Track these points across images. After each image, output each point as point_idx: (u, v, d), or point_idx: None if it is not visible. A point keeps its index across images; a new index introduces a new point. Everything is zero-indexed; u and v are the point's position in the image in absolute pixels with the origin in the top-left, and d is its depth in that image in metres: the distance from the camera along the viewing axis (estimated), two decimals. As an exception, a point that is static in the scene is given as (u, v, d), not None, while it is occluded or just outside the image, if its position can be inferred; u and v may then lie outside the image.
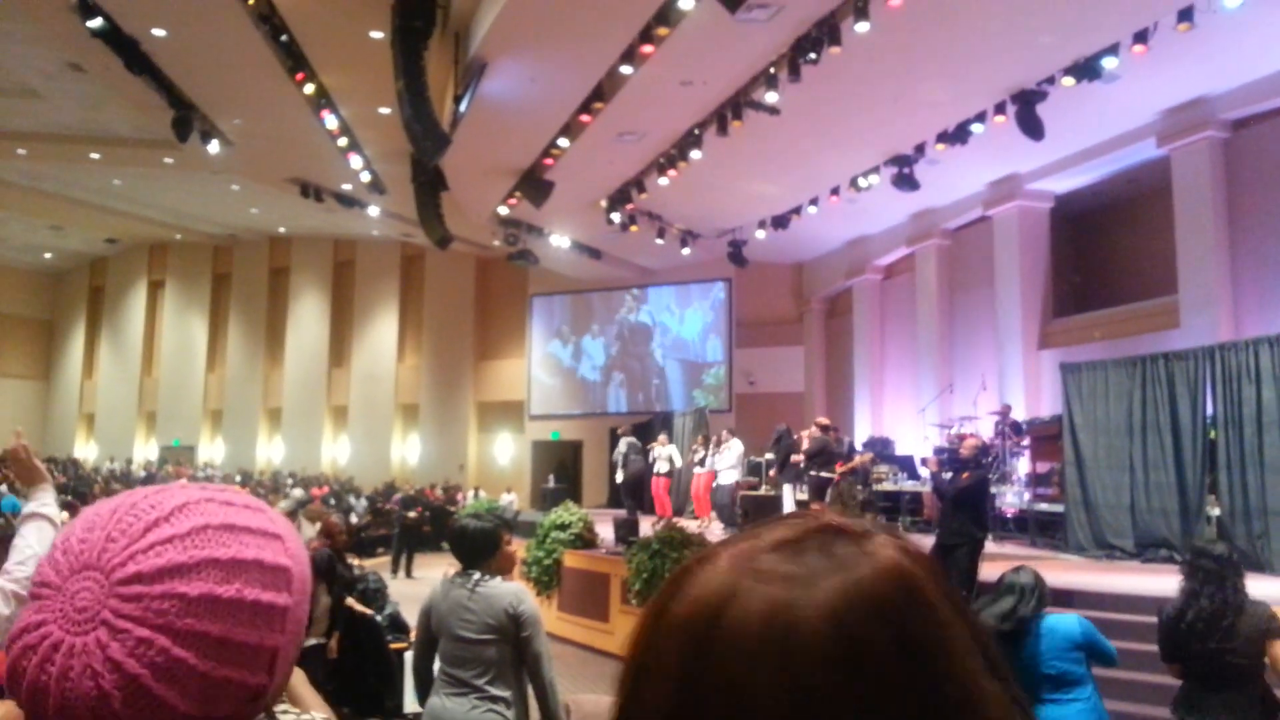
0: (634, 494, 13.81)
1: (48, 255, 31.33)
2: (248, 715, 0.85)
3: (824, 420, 12.82)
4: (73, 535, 0.84)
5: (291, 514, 9.09)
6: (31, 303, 32.73)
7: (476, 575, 3.77)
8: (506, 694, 3.68)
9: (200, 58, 14.09)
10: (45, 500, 2.17)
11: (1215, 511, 9.50)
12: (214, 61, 14.16)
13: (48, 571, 0.83)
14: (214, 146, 16.91)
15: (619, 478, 14.88)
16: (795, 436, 13.05)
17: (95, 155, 20.17)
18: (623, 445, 14.55)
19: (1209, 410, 9.64)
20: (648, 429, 17.58)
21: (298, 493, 13.54)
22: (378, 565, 14.18)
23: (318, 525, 8.84)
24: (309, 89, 14.38)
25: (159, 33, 13.28)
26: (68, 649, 0.78)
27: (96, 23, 12.42)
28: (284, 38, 13.13)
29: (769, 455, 13.61)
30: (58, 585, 0.81)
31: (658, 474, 14.69)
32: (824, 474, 12.12)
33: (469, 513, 13.02)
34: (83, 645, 0.78)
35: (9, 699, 0.85)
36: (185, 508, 0.85)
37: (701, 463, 14.88)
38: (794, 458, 12.67)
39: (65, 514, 8.54)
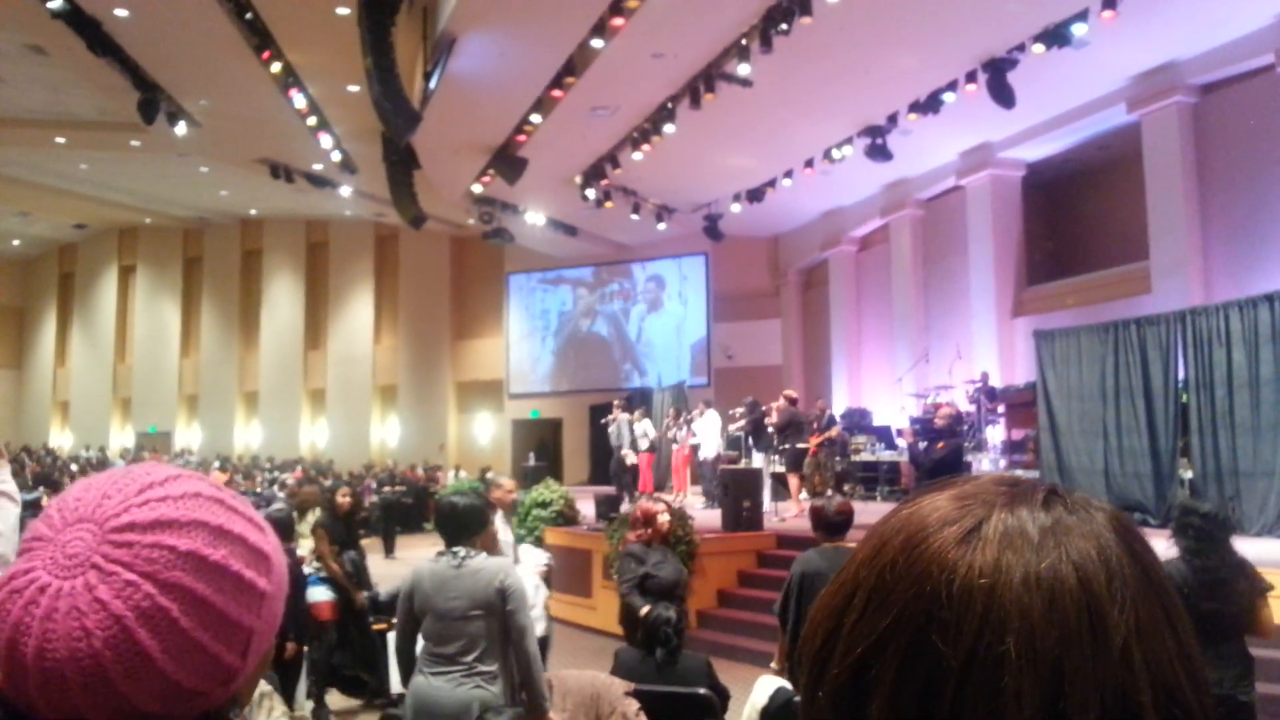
0: (636, 475, 14.11)
1: (16, 242, 30.84)
2: (219, 699, 0.87)
3: (791, 393, 12.85)
4: (69, 496, 0.87)
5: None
6: (1, 290, 32.26)
7: (462, 552, 3.78)
8: (492, 668, 3.70)
9: (164, 37, 13.86)
10: (3, 477, 2.19)
11: (1188, 474, 9.61)
12: (178, 41, 13.93)
13: (41, 528, 0.85)
14: (181, 128, 16.66)
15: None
16: (764, 409, 13.09)
17: (60, 139, 19.82)
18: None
19: (1181, 374, 9.74)
20: (626, 406, 17.61)
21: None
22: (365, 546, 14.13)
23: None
24: (275, 67, 14.19)
25: (121, 13, 13.05)
26: (55, 591, 0.80)
27: (57, 3, 12.17)
28: (249, 15, 12.94)
29: (738, 424, 13.67)
30: (50, 538, 0.83)
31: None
32: (799, 445, 12.20)
33: (452, 490, 12.99)
34: (70, 588, 0.80)
35: None
36: (179, 477, 0.89)
37: (675, 439, 14.95)
38: (767, 421, 12.72)
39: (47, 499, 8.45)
